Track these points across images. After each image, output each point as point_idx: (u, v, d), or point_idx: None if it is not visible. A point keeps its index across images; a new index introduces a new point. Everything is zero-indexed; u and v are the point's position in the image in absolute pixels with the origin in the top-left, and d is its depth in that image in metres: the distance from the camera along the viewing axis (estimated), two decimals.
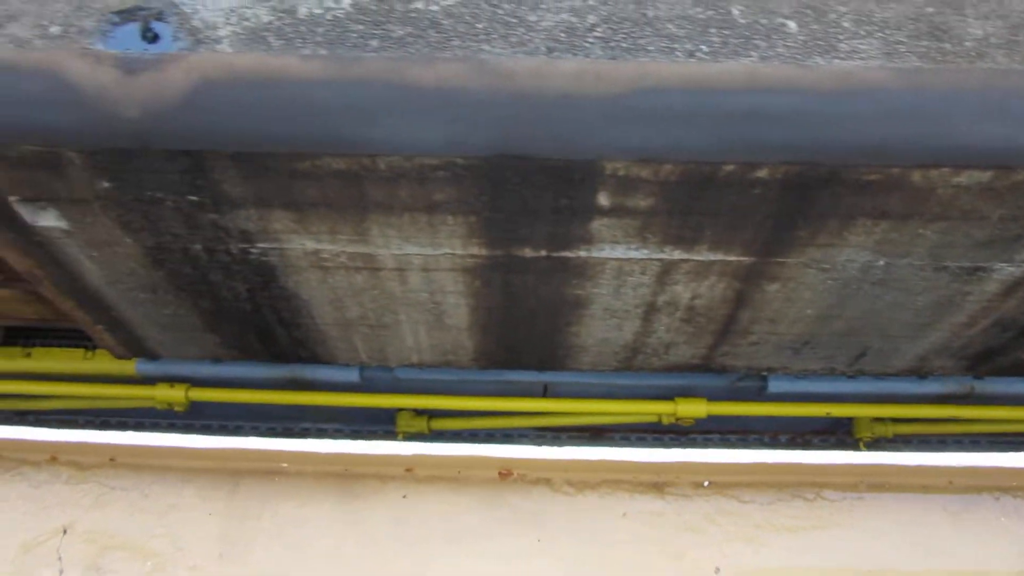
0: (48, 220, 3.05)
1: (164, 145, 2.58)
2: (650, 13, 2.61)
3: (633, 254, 3.10)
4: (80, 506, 3.90)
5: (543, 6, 2.62)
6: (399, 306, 3.54)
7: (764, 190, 2.71)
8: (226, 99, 2.51)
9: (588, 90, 2.50)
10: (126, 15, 2.62)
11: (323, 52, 2.52)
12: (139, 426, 4.78)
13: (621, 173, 2.65)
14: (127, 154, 2.64)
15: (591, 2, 2.63)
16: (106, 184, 2.80)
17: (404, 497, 3.85)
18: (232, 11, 2.60)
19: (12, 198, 2.92)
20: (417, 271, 3.26)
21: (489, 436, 4.79)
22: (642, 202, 2.79)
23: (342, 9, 2.61)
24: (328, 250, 3.14)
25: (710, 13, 2.62)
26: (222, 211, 2.92)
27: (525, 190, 2.74)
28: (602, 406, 4.45)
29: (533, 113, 2.52)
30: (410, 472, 3.90)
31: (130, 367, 4.40)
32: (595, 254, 3.11)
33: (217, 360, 4.35)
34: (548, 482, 3.93)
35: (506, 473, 3.89)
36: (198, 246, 3.16)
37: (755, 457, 4.18)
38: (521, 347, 3.92)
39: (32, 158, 2.68)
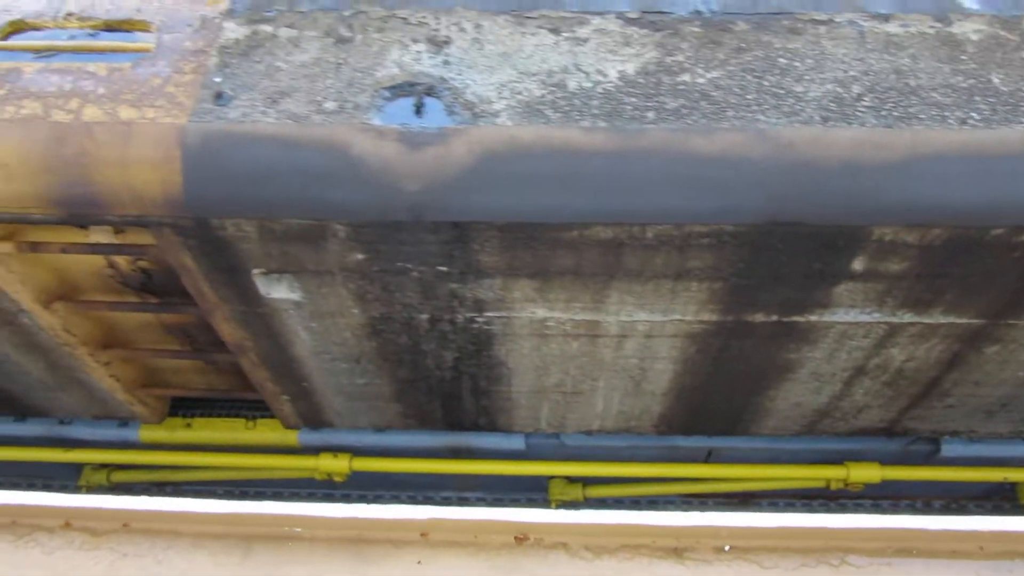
0: (281, 292, 3.05)
1: (439, 217, 2.60)
2: (912, 82, 2.66)
3: (863, 318, 3.09)
4: (93, 573, 3.77)
5: (807, 77, 2.67)
6: (603, 372, 3.51)
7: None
8: (508, 171, 2.53)
9: (866, 158, 2.53)
10: (397, 90, 2.67)
11: (602, 124, 2.55)
12: (294, 497, 4.69)
13: (887, 238, 2.65)
14: (395, 227, 2.66)
15: (852, 73, 2.68)
16: (359, 256, 2.81)
17: (419, 563, 3.69)
18: (503, 85, 2.66)
19: (256, 271, 2.92)
20: (637, 337, 3.24)
21: (650, 504, 4.69)
22: (895, 266, 2.79)
23: (611, 83, 2.66)
24: (557, 318, 3.13)
25: (971, 82, 2.66)
26: (466, 280, 2.92)
27: (783, 256, 2.75)
28: (769, 471, 4.37)
29: (811, 180, 2.54)
30: (425, 537, 3.76)
31: (292, 437, 4.35)
32: (826, 318, 3.09)
33: (380, 429, 4.30)
34: (565, 547, 3.78)
35: (522, 538, 3.77)
36: (424, 316, 3.15)
37: (778, 521, 4.06)
38: (707, 412, 3.87)
39: (296, 231, 2.69)
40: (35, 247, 2.97)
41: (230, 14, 2.90)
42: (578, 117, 2.58)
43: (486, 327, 3.21)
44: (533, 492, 4.79)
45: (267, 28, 2.85)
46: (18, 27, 2.94)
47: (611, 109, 2.59)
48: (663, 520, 3.99)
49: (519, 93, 2.64)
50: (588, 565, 3.74)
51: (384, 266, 2.86)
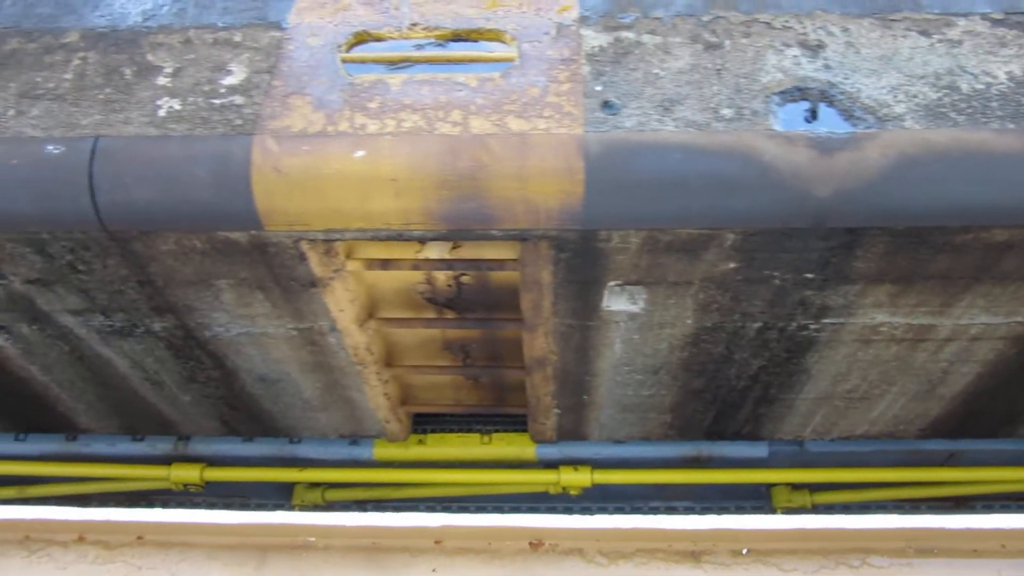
0: (621, 304, 2.99)
1: (844, 222, 2.55)
2: None
3: None
4: None
5: None
6: (903, 377, 3.47)
7: None
8: (921, 175, 2.48)
9: None
10: (787, 95, 2.62)
11: (1011, 126, 2.51)
12: (532, 511, 4.61)
13: None
14: (787, 234, 2.61)
15: None
16: (731, 265, 2.76)
17: (434, 571, 3.59)
18: (895, 88, 2.61)
19: (613, 283, 2.86)
20: (962, 341, 3.19)
21: (880, 508, 4.63)
22: None
23: (1003, 84, 2.62)
24: (893, 323, 3.08)
25: None
26: (825, 287, 2.87)
27: None
28: (1012, 474, 4.32)
29: None
30: (439, 544, 3.64)
31: (530, 451, 4.28)
32: None
33: (619, 441, 4.24)
34: (580, 552, 3.65)
35: (537, 544, 3.68)
36: (757, 324, 3.09)
37: (796, 523, 3.98)
38: (985, 414, 3.83)
39: (682, 241, 2.64)
40: (386, 264, 2.89)
41: (584, 21, 2.85)
42: (983, 119, 2.53)
43: (814, 334, 3.15)
44: (756, 500, 4.73)
45: (629, 35, 2.80)
46: (362, 38, 2.88)
47: (1013, 110, 2.55)
48: (679, 524, 3.91)
49: (914, 96, 2.59)
50: (603, 570, 3.65)
51: (749, 275, 2.81)
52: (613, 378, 3.49)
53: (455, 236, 2.65)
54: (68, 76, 2.80)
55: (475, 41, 2.88)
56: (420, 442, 4.33)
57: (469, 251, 2.95)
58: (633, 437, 4.09)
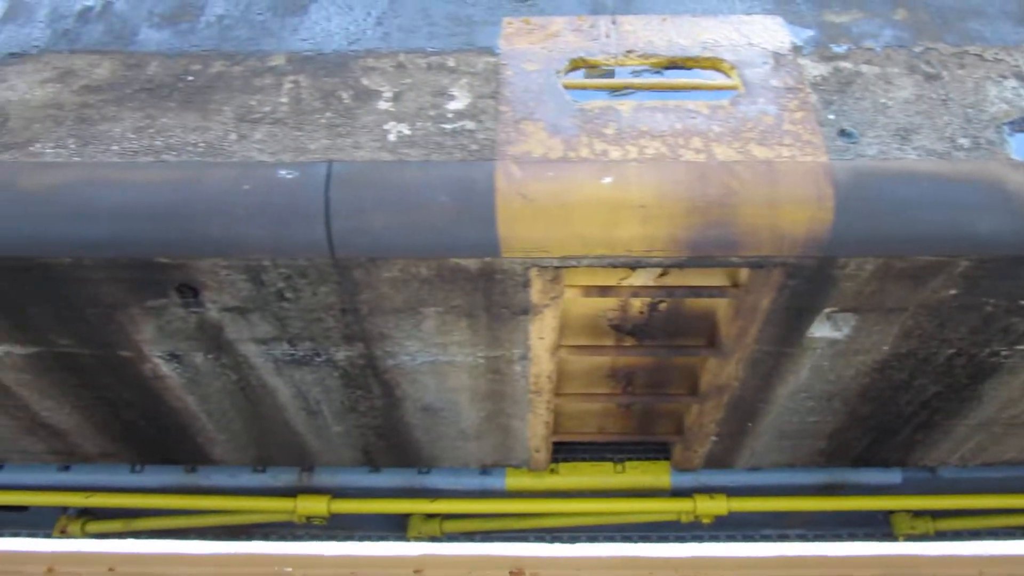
0: (824, 331, 2.99)
1: None
2: None
3: None
4: None
5: None
6: None
7: None
8: None
9: None
10: (1015, 125, 2.66)
11: None
12: (661, 540, 4.55)
13: None
14: (1019, 261, 2.63)
15: None
16: (951, 291, 2.77)
17: None
18: None
19: (829, 310, 2.86)
20: None
21: (1008, 535, 4.65)
22: None
23: None
24: None
25: None
26: None
27: None
28: None
29: None
30: (419, 574, 3.58)
31: (664, 479, 4.24)
32: None
33: (753, 469, 4.22)
34: None
35: (517, 573, 3.65)
36: (951, 350, 3.11)
37: (779, 550, 3.98)
38: None
39: (915, 268, 2.65)
40: (604, 291, 2.86)
41: (799, 51, 2.87)
42: None
43: (1002, 360, 3.17)
44: (872, 527, 4.72)
45: (847, 65, 2.82)
46: (577, 65, 2.87)
47: None
48: (662, 552, 3.89)
49: None
50: None
51: (965, 301, 2.82)
52: (786, 405, 3.48)
53: (692, 263, 2.63)
54: (284, 100, 2.74)
55: (689, 68, 2.88)
56: (553, 471, 4.26)
57: (676, 278, 2.93)
58: (779, 464, 4.06)
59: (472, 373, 3.24)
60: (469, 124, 2.65)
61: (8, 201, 2.57)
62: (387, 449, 3.90)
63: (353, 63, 2.86)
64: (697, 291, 2.88)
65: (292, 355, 3.15)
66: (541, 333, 2.98)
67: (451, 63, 2.85)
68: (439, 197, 2.52)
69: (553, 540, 4.48)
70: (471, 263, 2.63)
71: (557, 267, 2.65)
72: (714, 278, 2.91)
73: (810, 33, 2.92)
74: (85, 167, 2.58)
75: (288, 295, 2.80)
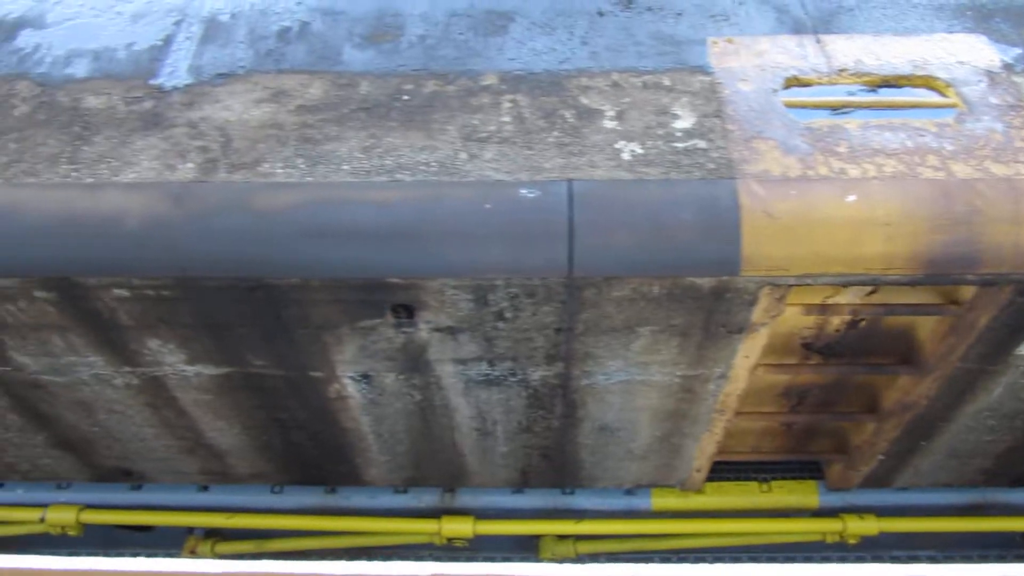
0: None
1: None
2: None
3: None
4: None
5: None
6: None
7: None
8: None
9: None
10: None
11: None
12: (807, 560, 4.49)
13: None
14: None
15: None
16: None
17: None
18: None
19: None
20: None
21: None
22: None
23: None
24: None
25: None
26: None
27: None
28: None
29: None
30: None
31: (813, 499, 4.19)
32: None
33: (903, 488, 4.18)
34: None
35: None
36: None
37: (777, 572, 3.87)
38: None
39: None
40: (824, 309, 2.85)
41: (1011, 69, 2.87)
42: None
43: None
44: (1009, 548, 4.67)
45: None
46: (792, 83, 2.87)
47: None
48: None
49: None
50: None
51: None
52: (966, 423, 3.45)
53: (927, 281, 2.61)
54: (506, 119, 2.74)
55: (901, 87, 2.88)
56: (698, 491, 4.22)
57: (886, 295, 2.92)
58: (938, 484, 4.03)
59: (663, 392, 3.21)
60: (700, 143, 2.64)
61: (243, 222, 2.56)
62: (547, 470, 3.86)
63: (567, 82, 2.86)
64: (915, 309, 2.86)
65: (487, 375, 3.12)
66: (748, 352, 2.96)
67: (666, 82, 2.85)
68: (681, 216, 2.51)
69: (696, 560, 4.43)
70: (705, 282, 2.61)
71: (790, 286, 2.64)
72: (925, 295, 2.90)
73: (1018, 51, 2.93)
74: (319, 187, 2.57)
75: (507, 315, 2.78)
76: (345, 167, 2.62)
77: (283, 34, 3.08)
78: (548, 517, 4.26)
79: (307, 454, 3.78)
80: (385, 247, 2.55)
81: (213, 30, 3.11)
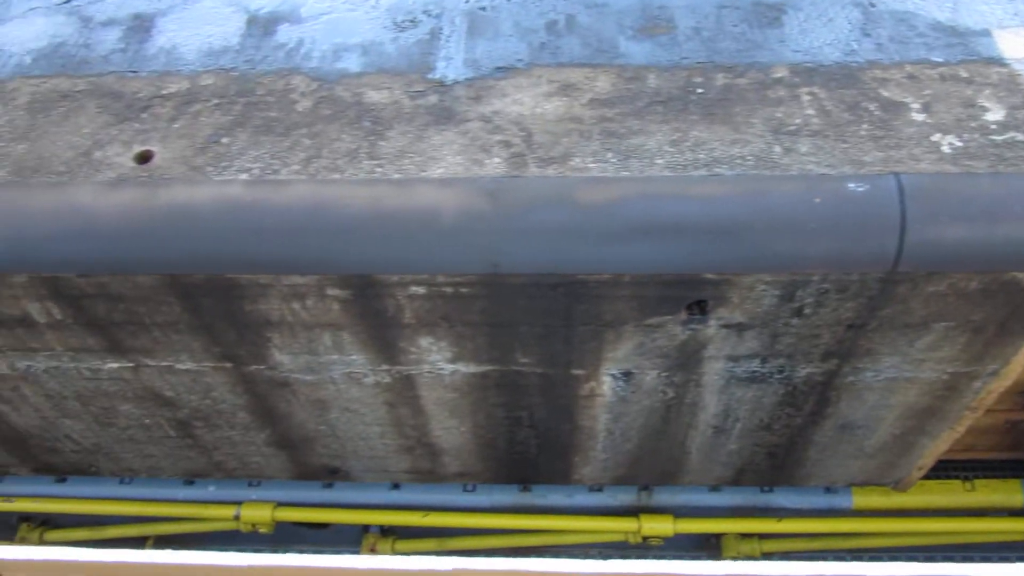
0: None
1: None
2: None
3: None
4: None
5: None
6: None
7: None
8: None
9: None
10: None
11: None
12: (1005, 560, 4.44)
13: None
14: None
15: None
16: None
17: None
18: None
19: None
20: None
21: None
22: None
23: None
24: None
25: None
26: None
27: None
28: None
29: None
30: None
31: (1016, 498, 4.14)
32: None
33: None
34: None
35: None
36: None
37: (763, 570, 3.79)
38: None
39: None
40: None
41: None
42: None
43: None
44: None
45: None
46: None
47: None
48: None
49: None
50: None
51: None
52: None
53: None
54: (810, 112, 2.69)
55: None
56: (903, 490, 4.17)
57: None
58: None
59: (924, 389, 3.17)
60: (1018, 135, 2.58)
61: (561, 217, 2.51)
62: (765, 468, 3.82)
63: (860, 74, 2.81)
64: None
65: (753, 373, 3.08)
66: None
67: (963, 74, 2.79)
68: (1015, 209, 2.45)
69: (892, 559, 4.38)
70: None
71: None
72: None
73: None
74: (637, 181, 2.53)
75: (806, 311, 2.74)
76: (659, 161, 2.58)
77: (551, 27, 3.03)
78: (745, 515, 4.22)
79: (526, 453, 3.75)
80: (706, 242, 2.50)
81: (478, 23, 3.06)
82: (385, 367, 3.12)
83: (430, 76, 2.89)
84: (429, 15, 3.12)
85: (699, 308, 2.77)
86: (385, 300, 2.75)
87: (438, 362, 3.07)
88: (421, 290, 2.69)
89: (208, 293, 2.78)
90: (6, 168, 2.73)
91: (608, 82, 2.83)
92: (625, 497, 4.22)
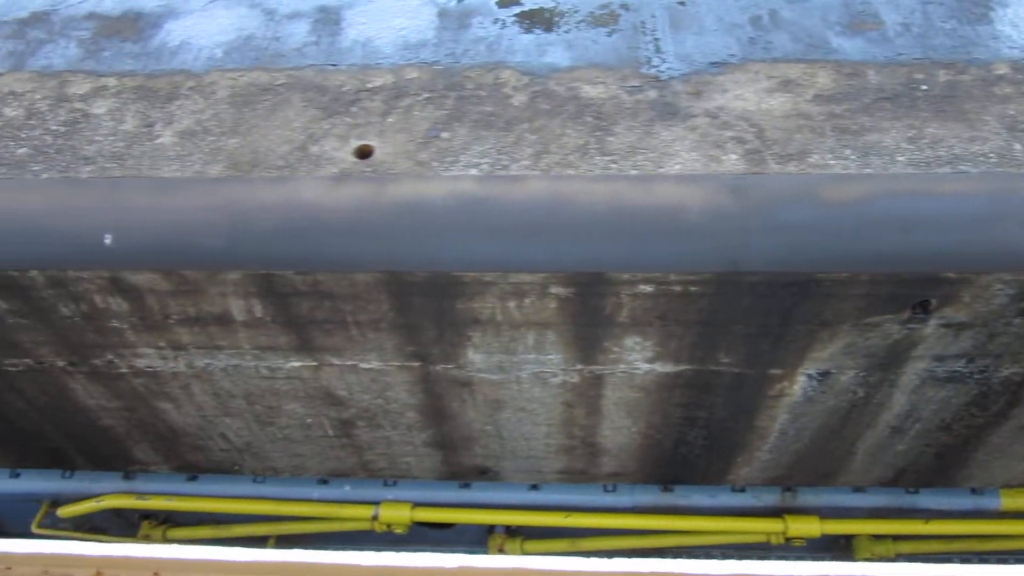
0: None
1: None
2: None
3: None
4: None
5: None
6: None
7: None
8: None
9: None
10: None
11: None
12: None
13: None
14: None
15: None
16: None
17: None
18: None
19: None
20: None
21: None
22: None
23: None
24: None
25: None
26: None
27: None
28: None
29: None
30: None
31: None
32: None
33: None
34: None
35: None
36: None
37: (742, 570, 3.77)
38: None
39: None
40: None
41: None
42: None
43: None
44: None
45: None
46: None
47: None
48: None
49: None
50: None
51: None
52: None
53: None
54: None
55: None
56: None
57: None
58: None
59: None
60: None
61: (807, 214, 2.48)
62: (927, 469, 3.79)
63: None
64: None
65: (954, 372, 3.05)
66: None
67: None
68: None
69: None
70: None
71: None
72: None
73: None
74: (883, 179, 2.49)
75: None
76: (900, 158, 2.54)
77: (756, 22, 2.99)
78: (888, 516, 4.19)
79: (689, 454, 3.71)
80: (953, 240, 2.47)
81: (679, 17, 3.02)
82: (578, 367, 3.08)
83: (644, 71, 2.84)
84: (627, 9, 3.07)
85: (923, 307, 2.73)
86: (606, 299, 2.71)
87: (635, 362, 3.03)
88: (649, 288, 2.64)
89: (423, 291, 2.73)
90: (222, 163, 2.68)
91: (828, 78, 2.79)
92: (769, 497, 4.18)
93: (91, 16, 3.26)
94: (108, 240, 2.62)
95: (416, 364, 3.13)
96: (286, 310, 2.87)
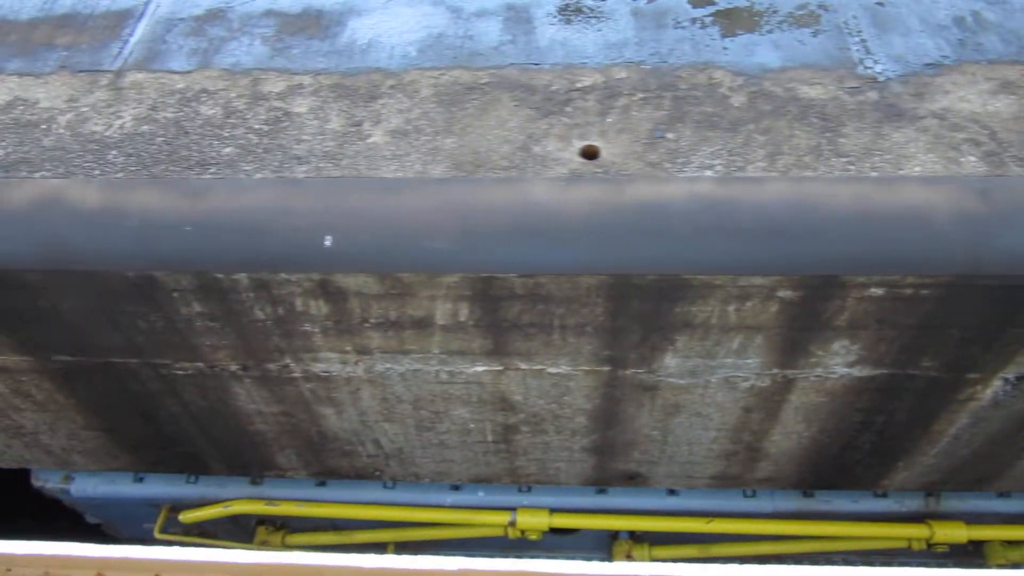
0: None
1: None
2: None
3: None
4: None
5: None
6: None
7: None
8: None
9: None
10: None
11: None
12: None
13: None
14: None
15: None
16: None
17: None
18: None
19: None
20: None
21: None
22: None
23: None
24: None
25: None
26: None
27: None
28: None
29: None
30: None
31: None
32: None
33: None
34: None
35: None
36: None
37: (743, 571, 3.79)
38: None
39: None
40: None
41: None
42: None
43: None
44: None
45: None
46: None
47: None
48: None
49: None
50: None
51: None
52: None
53: None
54: None
55: None
56: None
57: None
58: None
59: None
60: None
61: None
62: None
63: None
64: None
65: None
66: None
67: None
68: None
69: None
70: None
71: None
72: None
73: None
74: None
75: None
76: None
77: (960, 23, 2.96)
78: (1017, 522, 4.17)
79: (850, 459, 3.67)
80: None
81: (881, 19, 2.99)
82: (774, 371, 3.03)
83: (860, 72, 2.80)
84: (826, 9, 3.03)
85: None
86: (831, 302, 2.66)
87: (834, 365, 2.99)
88: (879, 291, 2.60)
89: (644, 294, 2.68)
90: (443, 163, 2.62)
91: None
92: (911, 503, 4.15)
93: (269, 13, 3.19)
94: (328, 242, 2.56)
95: (606, 369, 3.08)
96: (493, 313, 2.81)
